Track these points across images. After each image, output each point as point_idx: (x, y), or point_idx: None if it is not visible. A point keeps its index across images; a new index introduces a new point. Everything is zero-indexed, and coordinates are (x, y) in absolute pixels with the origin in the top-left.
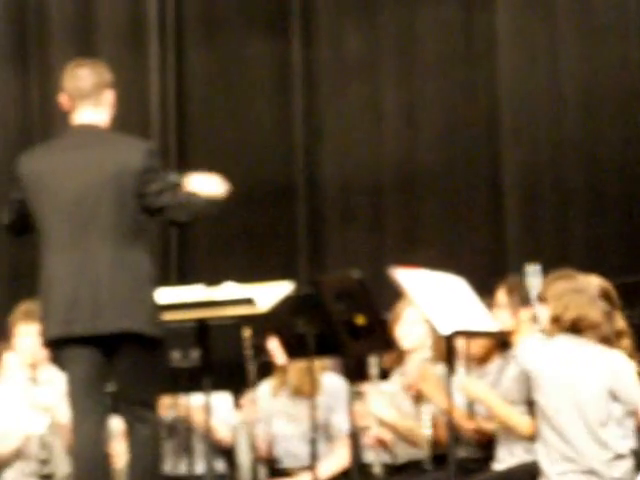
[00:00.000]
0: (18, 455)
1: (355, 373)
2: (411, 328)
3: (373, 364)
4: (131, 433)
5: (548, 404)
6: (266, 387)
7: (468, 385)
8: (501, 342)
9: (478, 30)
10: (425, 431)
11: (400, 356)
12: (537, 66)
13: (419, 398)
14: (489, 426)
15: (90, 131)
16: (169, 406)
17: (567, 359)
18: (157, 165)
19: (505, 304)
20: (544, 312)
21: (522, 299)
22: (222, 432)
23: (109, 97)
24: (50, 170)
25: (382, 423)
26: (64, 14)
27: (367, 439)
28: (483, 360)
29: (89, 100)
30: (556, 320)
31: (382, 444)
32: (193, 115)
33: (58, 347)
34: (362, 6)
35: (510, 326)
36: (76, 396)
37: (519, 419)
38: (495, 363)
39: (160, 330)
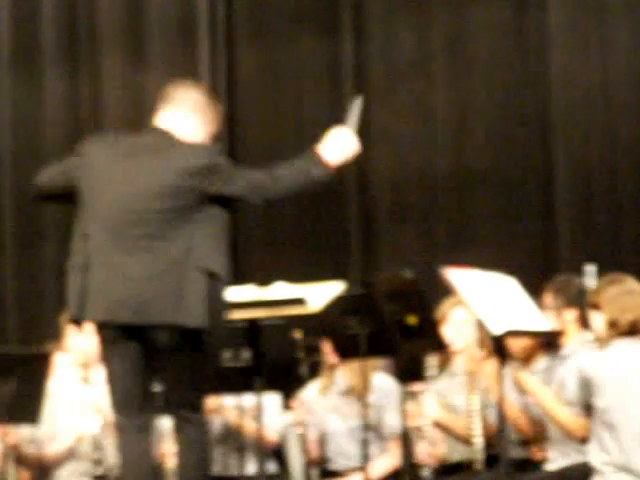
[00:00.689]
0: (71, 455)
1: (408, 373)
2: (459, 329)
3: (431, 365)
4: (179, 434)
5: (606, 409)
6: (315, 386)
7: (521, 377)
8: (546, 342)
9: (530, 29)
10: (476, 438)
11: (447, 357)
12: (589, 64)
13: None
14: (542, 442)
15: (159, 134)
16: (218, 410)
17: (627, 363)
18: (223, 162)
19: (551, 305)
20: (598, 318)
21: (567, 300)
22: (271, 436)
23: (193, 116)
24: (110, 162)
25: (435, 424)
26: (114, 14)
27: (420, 455)
28: (526, 360)
29: (169, 105)
30: (613, 325)
31: (434, 458)
32: (244, 114)
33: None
34: (414, 4)
35: (556, 327)
36: (119, 394)
37: (569, 418)
38: (541, 363)
39: (206, 324)
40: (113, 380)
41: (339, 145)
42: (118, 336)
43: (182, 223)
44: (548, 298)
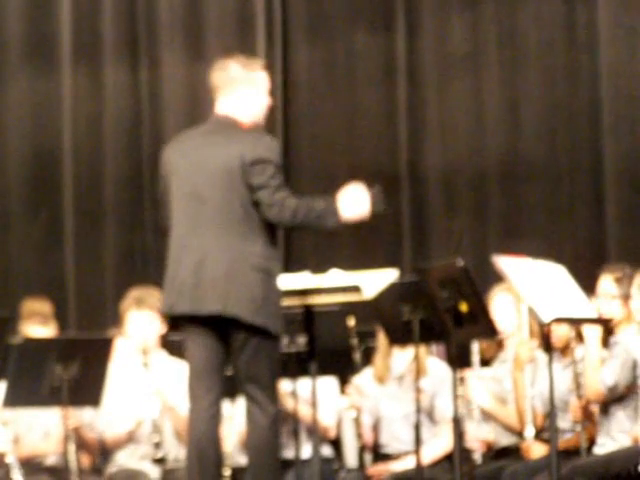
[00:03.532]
0: (131, 438)
1: (459, 359)
2: (503, 314)
3: (475, 351)
4: (248, 417)
5: None
6: (369, 372)
7: None
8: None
9: (579, 23)
10: (525, 423)
11: (499, 343)
12: (637, 58)
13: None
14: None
15: (221, 121)
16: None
17: None
18: (270, 158)
19: (614, 294)
20: None
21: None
22: (327, 422)
23: (245, 92)
24: (180, 155)
25: (482, 411)
26: (173, 9)
27: (470, 443)
28: (564, 349)
29: (223, 92)
30: None
31: (483, 443)
32: (299, 109)
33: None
34: (465, 0)
35: (620, 315)
36: (195, 378)
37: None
38: (578, 351)
39: (267, 320)
40: (191, 363)
41: (356, 203)
42: (198, 324)
43: (243, 219)
44: (609, 286)
